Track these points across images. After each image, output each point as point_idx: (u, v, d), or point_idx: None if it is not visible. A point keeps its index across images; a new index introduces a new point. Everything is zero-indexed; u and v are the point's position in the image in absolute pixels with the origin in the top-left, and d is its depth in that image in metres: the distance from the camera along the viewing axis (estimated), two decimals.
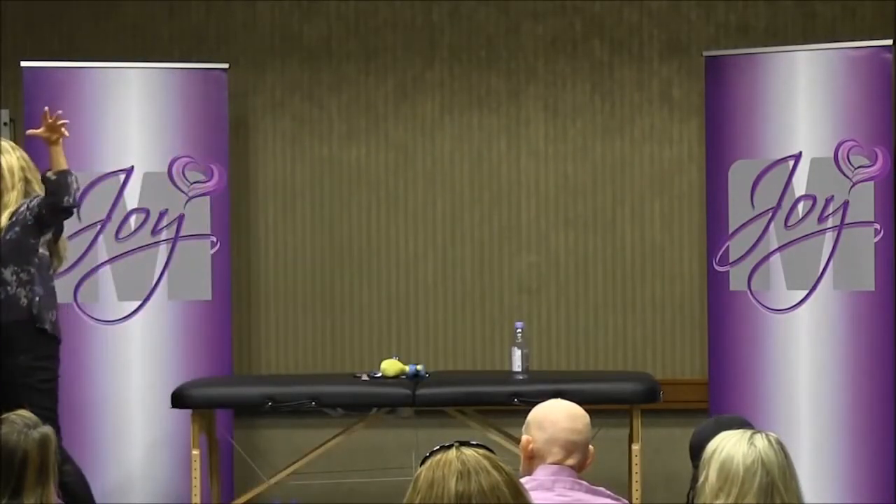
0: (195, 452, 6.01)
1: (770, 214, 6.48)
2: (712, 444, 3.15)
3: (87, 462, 6.40)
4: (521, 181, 7.14)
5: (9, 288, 5.47)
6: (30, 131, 5.56)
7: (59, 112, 5.44)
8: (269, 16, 7.18)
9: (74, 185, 5.43)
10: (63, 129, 5.44)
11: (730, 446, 3.10)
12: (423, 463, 2.70)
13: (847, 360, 6.37)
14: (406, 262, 7.15)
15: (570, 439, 3.62)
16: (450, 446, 2.69)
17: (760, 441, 3.10)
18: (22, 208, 5.51)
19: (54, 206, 5.42)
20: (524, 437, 3.67)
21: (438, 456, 2.68)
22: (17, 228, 5.48)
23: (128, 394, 6.56)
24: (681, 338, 7.08)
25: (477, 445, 2.70)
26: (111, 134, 6.63)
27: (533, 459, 3.64)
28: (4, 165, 5.52)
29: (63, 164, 5.40)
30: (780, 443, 3.12)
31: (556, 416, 3.66)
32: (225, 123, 6.78)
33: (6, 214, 5.50)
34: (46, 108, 5.45)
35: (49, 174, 5.42)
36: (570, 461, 3.62)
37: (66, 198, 5.40)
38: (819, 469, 6.25)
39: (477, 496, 2.62)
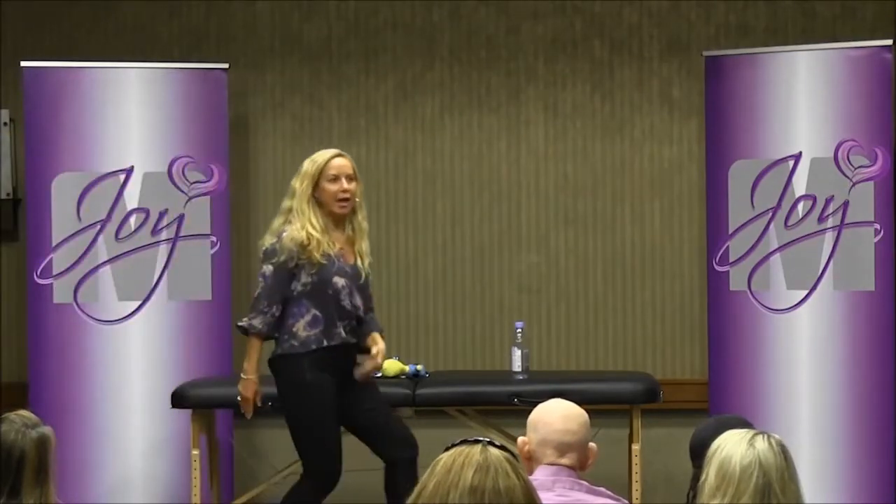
0: (195, 452, 6.01)
1: (770, 214, 6.48)
2: (715, 444, 3.13)
3: (88, 462, 6.41)
4: (521, 181, 7.14)
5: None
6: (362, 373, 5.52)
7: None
8: (269, 16, 7.18)
9: None
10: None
11: (730, 446, 3.09)
12: (447, 449, 2.68)
13: (847, 360, 6.36)
14: (406, 262, 7.15)
15: (563, 440, 3.61)
16: (477, 441, 2.68)
17: (760, 442, 3.08)
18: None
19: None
20: (520, 439, 3.67)
21: (464, 447, 2.67)
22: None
23: (128, 394, 6.56)
24: (681, 338, 7.08)
25: (503, 448, 2.69)
26: (111, 134, 6.62)
27: (530, 461, 3.64)
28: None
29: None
30: (781, 445, 3.10)
31: (550, 418, 3.65)
32: (225, 123, 6.78)
33: (367, 251, 5.54)
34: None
35: (371, 346, 5.46)
36: (566, 461, 3.60)
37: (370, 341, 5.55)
38: (819, 469, 6.25)
39: (491, 493, 2.59)
